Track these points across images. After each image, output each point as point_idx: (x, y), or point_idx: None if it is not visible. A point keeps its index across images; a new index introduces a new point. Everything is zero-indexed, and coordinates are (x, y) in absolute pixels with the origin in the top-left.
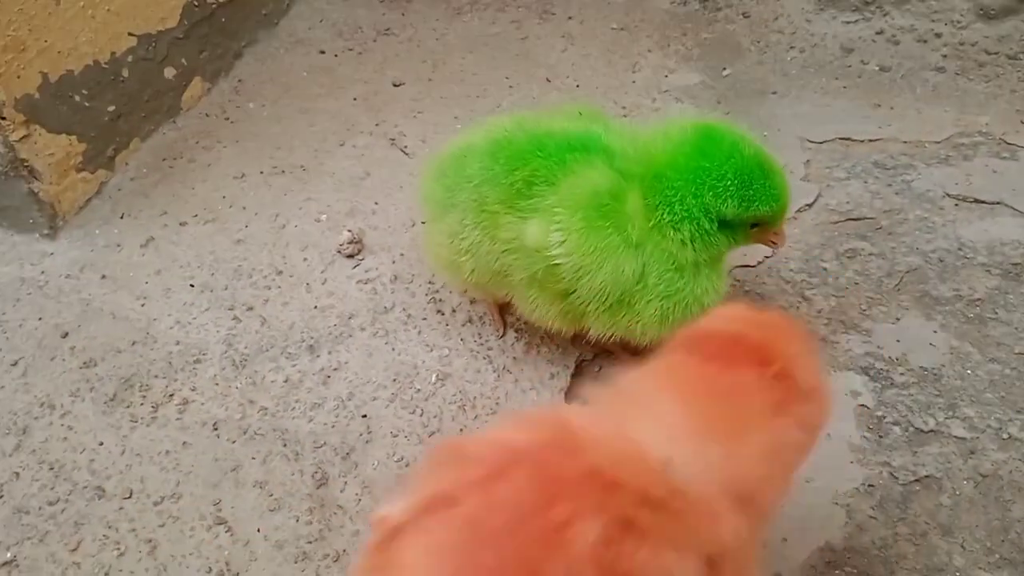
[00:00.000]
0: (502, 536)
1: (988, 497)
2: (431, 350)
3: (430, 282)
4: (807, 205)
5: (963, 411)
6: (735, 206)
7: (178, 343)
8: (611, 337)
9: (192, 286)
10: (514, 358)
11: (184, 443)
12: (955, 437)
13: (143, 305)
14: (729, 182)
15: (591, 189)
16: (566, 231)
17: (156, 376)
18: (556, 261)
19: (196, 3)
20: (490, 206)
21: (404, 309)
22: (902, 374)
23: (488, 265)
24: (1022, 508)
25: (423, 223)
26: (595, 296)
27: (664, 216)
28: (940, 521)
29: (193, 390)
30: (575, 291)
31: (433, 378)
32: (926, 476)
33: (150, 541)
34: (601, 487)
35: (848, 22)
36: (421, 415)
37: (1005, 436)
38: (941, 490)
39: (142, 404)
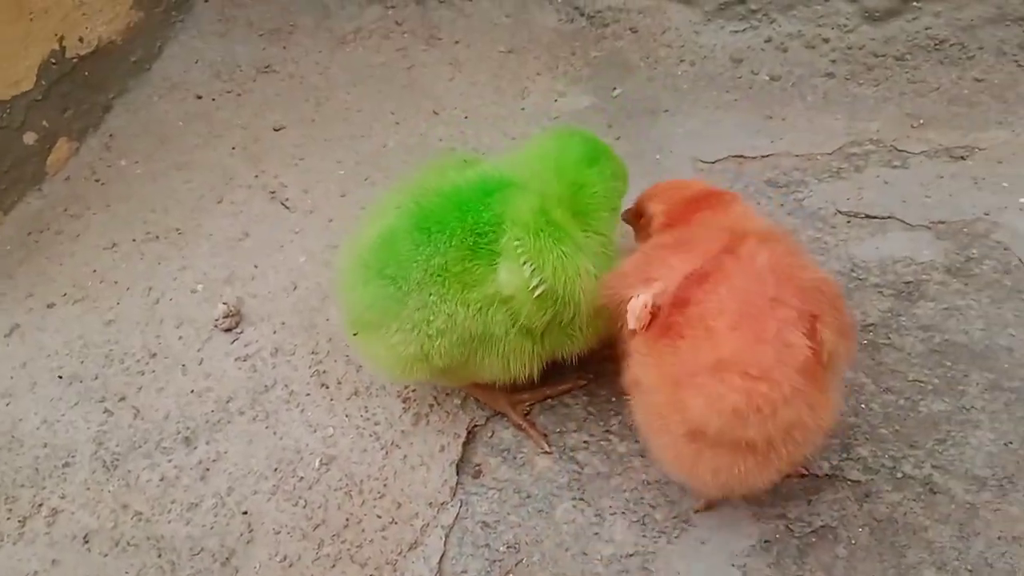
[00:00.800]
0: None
1: (883, 544)
2: (314, 431)
3: (313, 352)
4: None
5: (858, 451)
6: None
7: (46, 445)
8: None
9: (60, 377)
10: (402, 431)
11: (53, 561)
12: (850, 481)
13: (8, 404)
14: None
15: (534, 208)
16: (536, 260)
17: (22, 485)
18: (537, 292)
19: (54, 60)
20: (452, 270)
21: (286, 385)
22: None
23: (465, 339)
24: (916, 553)
25: (355, 335)
26: (580, 305)
27: (591, 217)
28: (837, 574)
29: (63, 498)
30: (558, 316)
31: (317, 463)
32: (822, 526)
33: None
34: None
35: (736, 31)
36: (305, 506)
37: (899, 475)
38: (837, 540)
39: (8, 518)
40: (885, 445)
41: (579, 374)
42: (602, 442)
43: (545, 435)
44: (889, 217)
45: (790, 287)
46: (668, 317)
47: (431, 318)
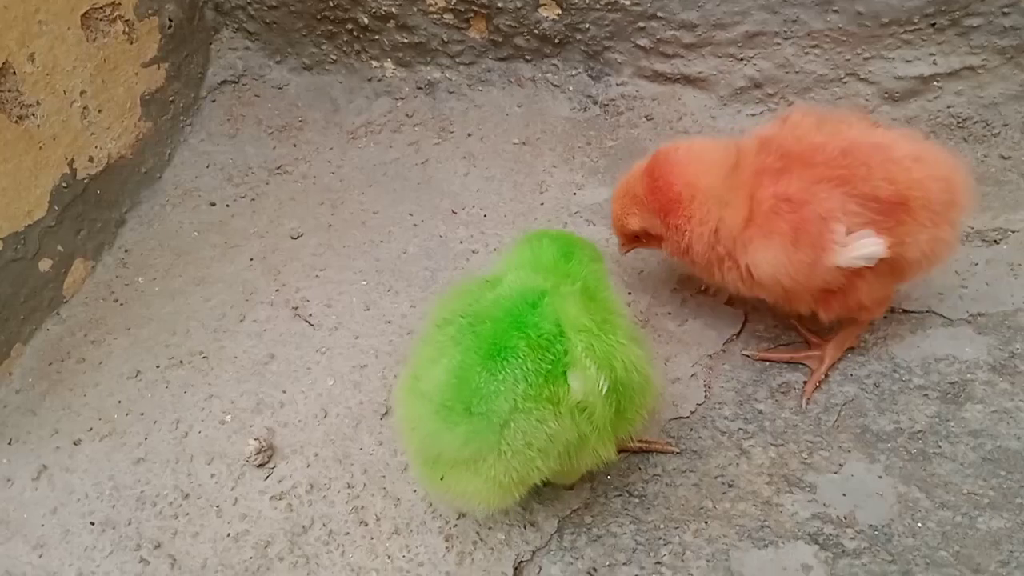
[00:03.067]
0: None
1: None
2: (357, 575)
3: (349, 485)
4: (734, 335)
5: None
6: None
7: None
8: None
9: (92, 524)
10: (447, 572)
11: None
12: None
13: (40, 556)
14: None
15: (583, 314)
16: (602, 359)
17: None
18: (605, 390)
19: (65, 184)
20: (539, 391)
21: (324, 524)
22: (852, 537)
23: (563, 446)
24: None
25: (442, 479)
26: (639, 391)
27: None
28: None
29: None
30: (620, 404)
31: None
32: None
33: None
34: None
35: (753, 115)
36: None
37: None
38: None
39: None
40: (946, 569)
41: (667, 441)
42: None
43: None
44: (927, 311)
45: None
46: None
47: (532, 441)
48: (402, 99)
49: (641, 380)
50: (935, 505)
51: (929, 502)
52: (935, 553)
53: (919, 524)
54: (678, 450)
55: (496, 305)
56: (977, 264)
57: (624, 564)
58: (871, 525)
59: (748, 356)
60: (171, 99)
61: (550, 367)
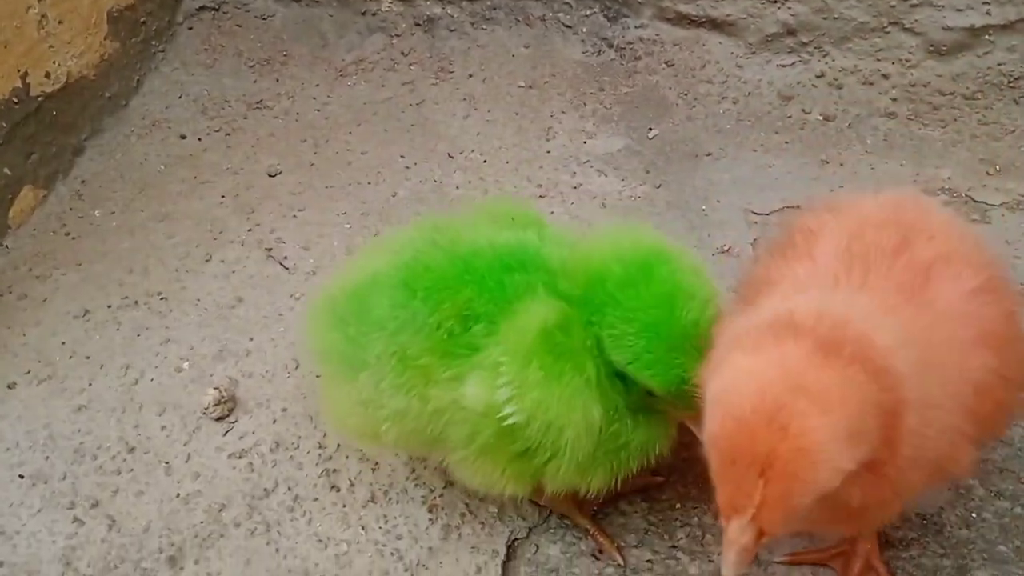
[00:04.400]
0: None
1: None
2: (325, 547)
3: (320, 446)
4: None
5: (976, 575)
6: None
7: (2, 564)
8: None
9: (21, 476)
10: (430, 548)
11: None
12: None
13: None
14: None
15: (539, 328)
16: (518, 387)
17: None
18: (509, 421)
19: (16, 99)
20: (414, 360)
21: (289, 488)
22: (898, 527)
23: (419, 434)
24: None
25: (318, 377)
26: (563, 453)
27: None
28: None
29: None
30: (536, 451)
31: None
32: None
33: None
34: None
35: (784, 65)
36: None
37: None
38: None
39: None
40: (1007, 567)
41: (653, 471)
42: (669, 561)
43: (615, 542)
44: None
45: None
46: None
47: (381, 403)
48: (398, 36)
49: (570, 450)
50: (991, 494)
51: (984, 491)
52: (993, 548)
53: (973, 515)
54: (661, 479)
55: (469, 243)
56: None
57: (635, 547)
58: (919, 514)
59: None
60: (143, 20)
61: (448, 341)
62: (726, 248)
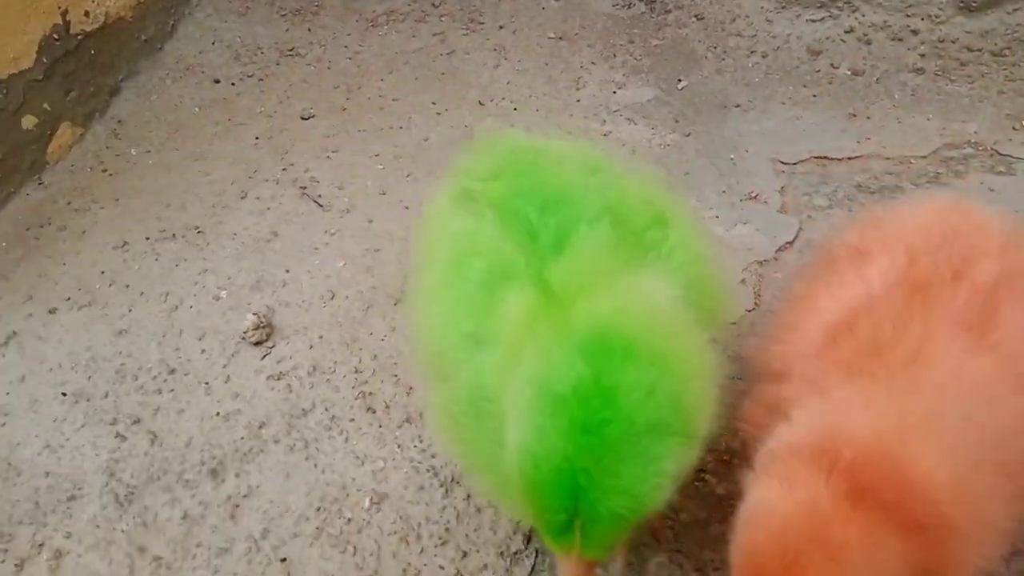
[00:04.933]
0: None
1: None
2: (362, 463)
3: (356, 371)
4: (788, 243)
5: None
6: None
7: (48, 475)
8: None
9: (64, 395)
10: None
11: None
12: None
13: (3, 425)
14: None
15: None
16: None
17: (21, 522)
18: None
19: (56, 36)
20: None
21: (327, 409)
22: None
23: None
24: None
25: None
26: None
27: None
28: None
29: (68, 537)
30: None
31: (367, 502)
32: None
33: None
34: None
35: (813, 20)
36: (354, 553)
37: None
38: None
39: (3, 560)
40: None
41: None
42: (697, 483)
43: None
44: None
45: None
46: None
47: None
48: None
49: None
50: None
51: None
52: None
53: None
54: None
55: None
56: None
57: None
58: None
59: None
60: None
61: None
62: (754, 195)
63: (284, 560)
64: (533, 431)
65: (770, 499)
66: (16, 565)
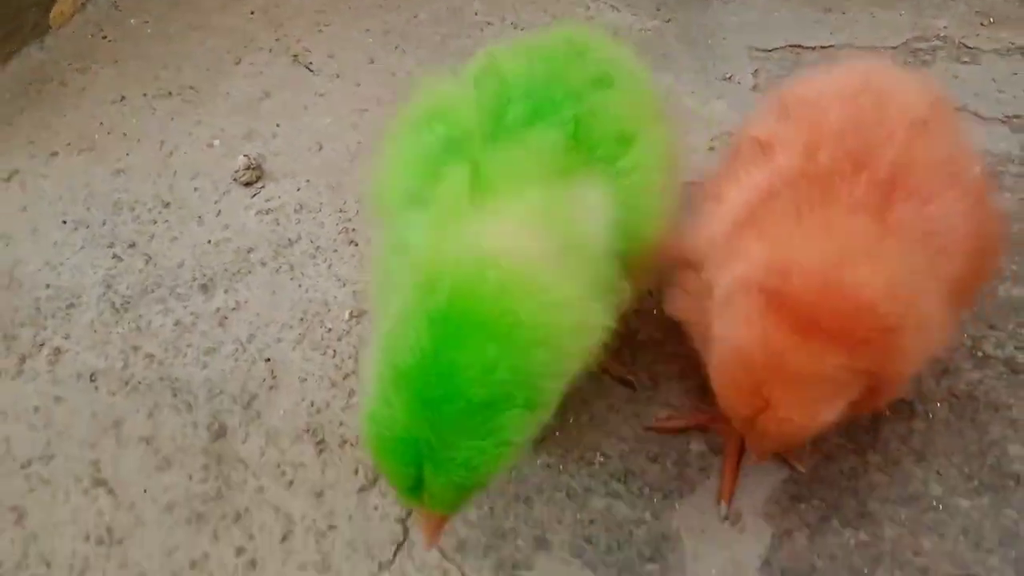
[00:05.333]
0: None
1: (963, 419)
2: (343, 285)
3: (341, 210)
4: None
5: None
6: None
7: (48, 286)
8: None
9: (64, 223)
10: None
11: (56, 398)
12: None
13: (6, 245)
14: None
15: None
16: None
17: (22, 324)
18: None
19: None
20: None
21: (311, 241)
22: None
23: None
24: (999, 429)
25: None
26: None
27: None
28: (914, 446)
29: (66, 338)
30: None
31: (347, 315)
32: (898, 400)
33: (16, 509)
34: None
35: None
36: (334, 356)
37: (979, 354)
38: (914, 414)
39: (7, 355)
40: (964, 325)
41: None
42: (654, 310)
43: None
44: (962, 108)
45: None
46: None
47: None
48: None
49: None
50: None
51: None
52: None
53: None
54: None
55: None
56: (1016, 74)
57: None
58: None
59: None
60: None
61: None
62: (728, 76)
63: (268, 360)
64: (380, 399)
65: (728, 344)
66: (18, 359)
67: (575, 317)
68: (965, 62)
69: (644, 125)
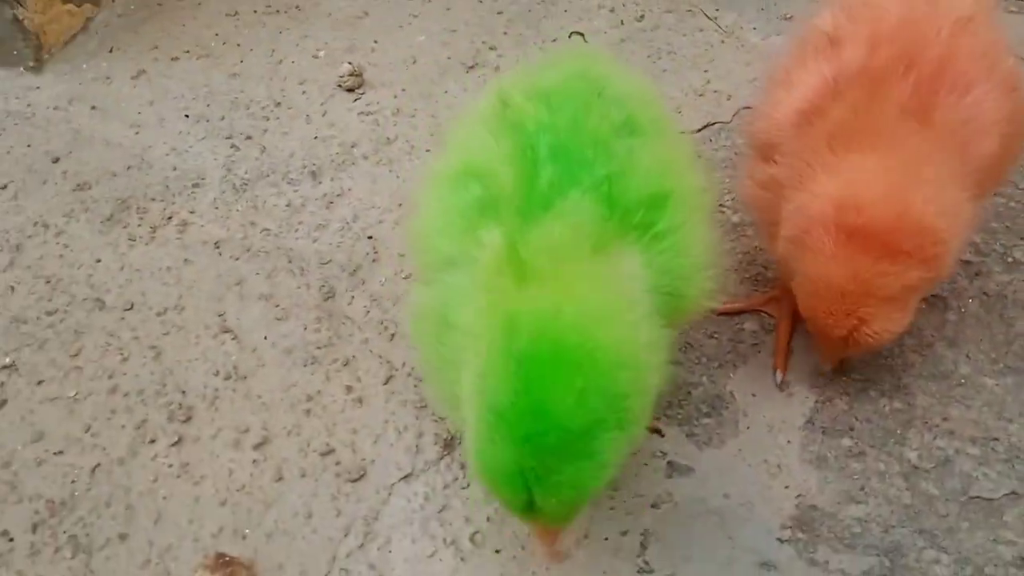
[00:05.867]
0: None
1: (992, 314)
2: None
3: (433, 116)
4: None
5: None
6: None
7: (175, 169)
8: None
9: (187, 116)
10: None
11: (185, 260)
12: (961, 261)
13: (137, 133)
14: None
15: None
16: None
17: (153, 199)
18: None
19: None
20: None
21: (407, 140)
22: None
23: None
24: None
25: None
26: None
27: None
28: (946, 334)
29: (192, 212)
30: None
31: None
32: (932, 296)
33: (154, 348)
34: None
35: None
36: None
37: (1010, 260)
38: (947, 308)
39: (139, 225)
40: (997, 235)
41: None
42: (717, 214)
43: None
44: None
45: None
46: None
47: None
48: None
49: None
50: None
51: None
52: (987, 224)
53: None
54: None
55: None
56: None
57: None
58: None
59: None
60: None
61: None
62: (789, 16)
63: (371, 237)
64: (481, 439)
65: (820, 273)
66: (151, 229)
67: (647, 335)
68: (1012, 12)
69: (676, 179)
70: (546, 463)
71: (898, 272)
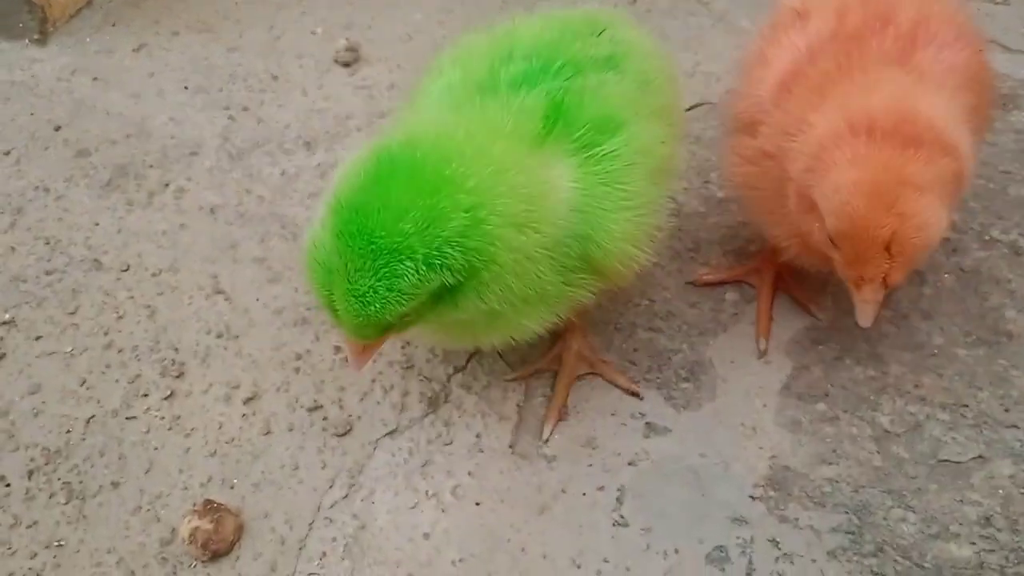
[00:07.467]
0: None
1: (968, 289)
2: None
3: None
4: None
5: None
6: None
7: (173, 137)
8: None
9: (186, 88)
10: None
11: (181, 224)
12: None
13: (136, 103)
14: None
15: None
16: None
17: (151, 166)
18: None
19: None
20: None
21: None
22: None
23: None
24: (999, 298)
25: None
26: None
27: None
28: (921, 306)
29: (189, 179)
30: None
31: None
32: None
33: (149, 307)
34: None
35: None
36: None
37: (987, 237)
38: (924, 282)
39: (137, 191)
40: (975, 214)
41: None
42: (700, 188)
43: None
44: (991, 41)
45: None
46: None
47: None
48: None
49: None
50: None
51: None
52: (966, 204)
53: None
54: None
55: None
56: None
57: None
58: None
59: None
60: None
61: None
62: None
63: None
64: (320, 221)
65: (849, 177)
66: (148, 194)
67: (506, 214)
68: (997, 3)
69: (637, 117)
70: (347, 268)
71: (926, 157)
